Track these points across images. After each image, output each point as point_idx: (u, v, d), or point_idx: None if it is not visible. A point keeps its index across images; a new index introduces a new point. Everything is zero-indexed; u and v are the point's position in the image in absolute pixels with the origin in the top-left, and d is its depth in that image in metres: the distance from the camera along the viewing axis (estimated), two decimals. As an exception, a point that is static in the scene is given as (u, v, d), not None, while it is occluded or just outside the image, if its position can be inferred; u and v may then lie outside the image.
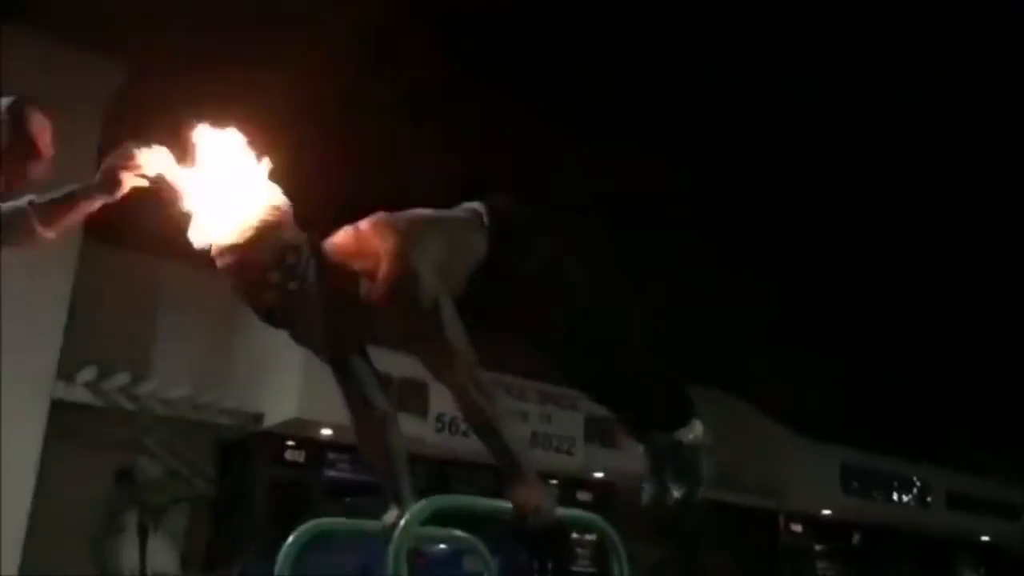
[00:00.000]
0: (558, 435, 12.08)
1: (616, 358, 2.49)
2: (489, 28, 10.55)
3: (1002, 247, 10.51)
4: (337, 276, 2.11)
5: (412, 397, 10.28)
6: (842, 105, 11.01)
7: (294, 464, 10.93)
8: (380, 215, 2.21)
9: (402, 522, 1.95)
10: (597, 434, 12.43)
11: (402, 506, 2.19)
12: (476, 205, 2.36)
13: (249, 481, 10.69)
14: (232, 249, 2.01)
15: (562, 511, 2.14)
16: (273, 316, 2.08)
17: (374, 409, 2.33)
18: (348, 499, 9.34)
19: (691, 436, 2.57)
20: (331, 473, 10.91)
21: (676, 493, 2.59)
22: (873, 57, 10.40)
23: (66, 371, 9.47)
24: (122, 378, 9.98)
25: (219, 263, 2.03)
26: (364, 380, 2.33)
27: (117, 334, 10.21)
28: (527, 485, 2.05)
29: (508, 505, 2.04)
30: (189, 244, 2.09)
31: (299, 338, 2.22)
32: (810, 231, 10.93)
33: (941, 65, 10.27)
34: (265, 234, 2.03)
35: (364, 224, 2.19)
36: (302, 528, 2.28)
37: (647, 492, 2.61)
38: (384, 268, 2.08)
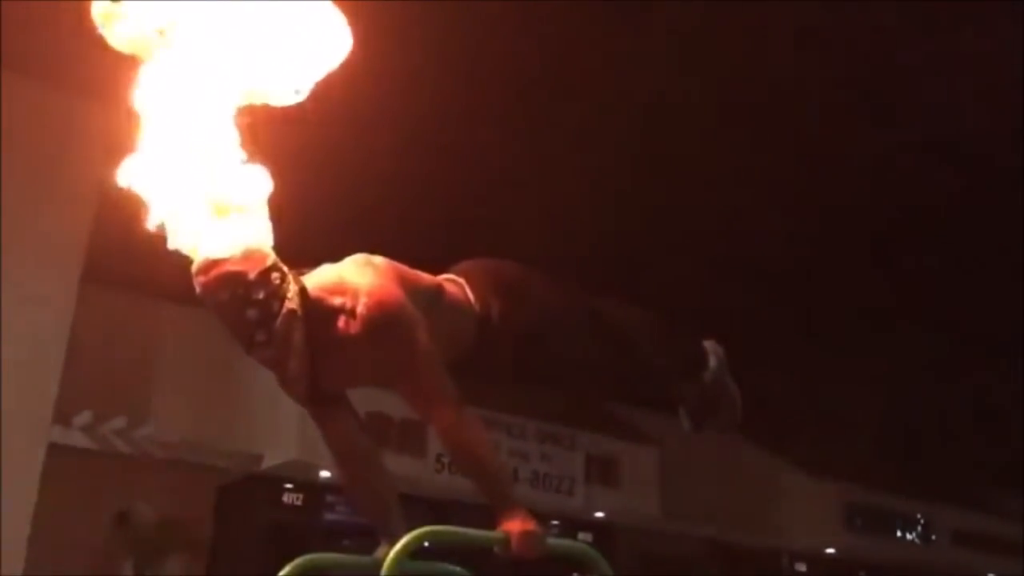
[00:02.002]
0: (558, 475, 12.00)
1: (615, 352, 2.53)
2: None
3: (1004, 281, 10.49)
4: (316, 312, 2.09)
5: (411, 437, 10.23)
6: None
7: (292, 507, 10.84)
8: (360, 255, 2.21)
9: (391, 553, 1.94)
10: (597, 474, 12.35)
11: (394, 541, 2.18)
12: (454, 276, 2.39)
13: (247, 525, 10.60)
14: (216, 264, 2.00)
15: (552, 541, 2.14)
16: (255, 343, 2.04)
17: (356, 447, 2.32)
18: (346, 542, 9.27)
19: (710, 370, 2.60)
20: (330, 516, 10.82)
21: (715, 424, 2.63)
22: None
23: (63, 415, 9.42)
24: (119, 422, 9.94)
25: (200, 281, 2.01)
26: (344, 420, 2.32)
27: (114, 377, 10.17)
28: (516, 516, 2.06)
29: (497, 535, 2.04)
30: (187, 287, 2.08)
31: (280, 372, 2.17)
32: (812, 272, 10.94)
33: None
34: (251, 252, 2.01)
35: (344, 262, 2.19)
36: (294, 563, 2.27)
37: (686, 423, 2.64)
38: (362, 301, 2.08)
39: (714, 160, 9.01)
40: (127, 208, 2.12)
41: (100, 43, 2.12)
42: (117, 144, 2.21)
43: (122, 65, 2.15)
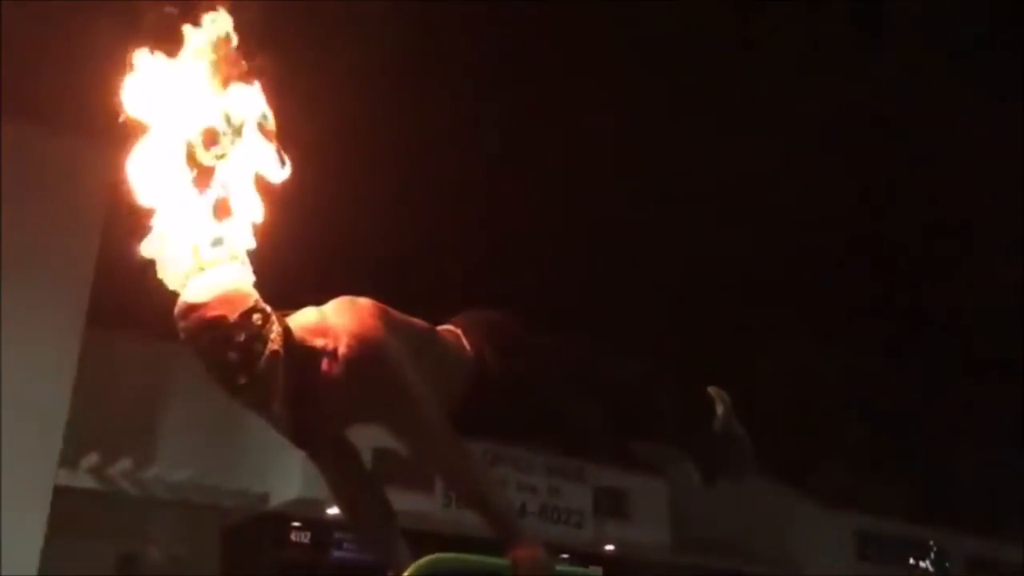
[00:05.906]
0: (566, 508, 11.91)
1: (619, 403, 2.51)
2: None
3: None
4: (300, 353, 2.06)
5: (417, 473, 10.16)
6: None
7: (300, 545, 10.76)
8: (344, 297, 2.19)
9: None
10: (606, 506, 12.26)
11: (400, 571, 2.15)
12: (450, 327, 2.38)
13: (255, 564, 10.52)
14: (195, 308, 1.97)
15: (560, 567, 2.14)
16: (238, 386, 2.00)
17: (355, 484, 2.31)
18: (355, 580, 9.20)
19: (718, 419, 2.57)
20: (338, 553, 10.74)
21: (727, 475, 2.58)
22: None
23: (69, 457, 9.40)
24: (126, 463, 9.91)
25: (181, 326, 1.98)
26: (342, 458, 2.31)
27: (120, 418, 10.15)
28: (523, 543, 2.04)
29: (504, 561, 2.03)
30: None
31: (266, 415, 2.14)
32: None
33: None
34: (230, 294, 1.99)
35: (327, 305, 2.17)
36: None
37: (696, 477, 2.59)
38: (344, 342, 2.06)
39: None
40: (131, 249, 2.12)
41: (100, 85, 2.14)
42: (120, 186, 2.21)
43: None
